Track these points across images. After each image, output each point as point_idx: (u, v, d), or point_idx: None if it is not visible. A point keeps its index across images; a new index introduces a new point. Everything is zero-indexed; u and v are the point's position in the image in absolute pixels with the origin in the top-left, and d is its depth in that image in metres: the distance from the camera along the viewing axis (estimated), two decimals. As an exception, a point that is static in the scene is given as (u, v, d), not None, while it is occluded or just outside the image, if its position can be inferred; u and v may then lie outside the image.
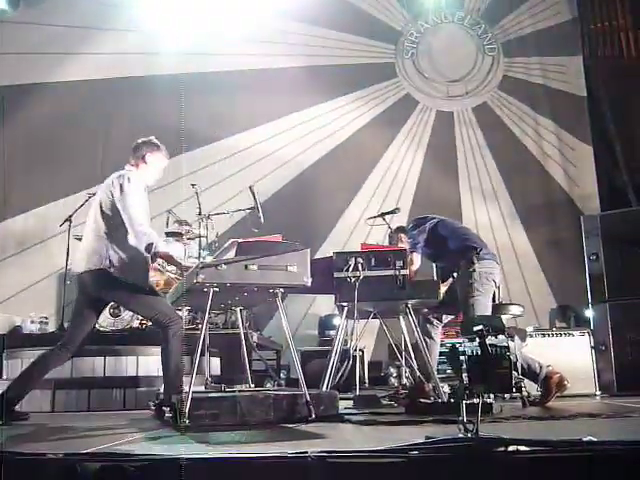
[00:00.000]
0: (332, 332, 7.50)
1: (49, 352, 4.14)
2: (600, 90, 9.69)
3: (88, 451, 2.37)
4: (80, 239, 4.54)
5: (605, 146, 9.58)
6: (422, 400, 4.19)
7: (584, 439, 2.34)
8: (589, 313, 6.55)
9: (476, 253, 4.73)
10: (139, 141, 4.30)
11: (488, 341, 2.33)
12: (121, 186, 4.00)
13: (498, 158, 9.67)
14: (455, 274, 4.84)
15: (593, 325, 6.18)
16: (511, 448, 2.23)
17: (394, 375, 7.48)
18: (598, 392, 5.57)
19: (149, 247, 3.96)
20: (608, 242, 6.06)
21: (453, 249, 4.87)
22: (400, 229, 5.20)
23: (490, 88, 10.02)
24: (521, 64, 10.10)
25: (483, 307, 4.60)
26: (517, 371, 2.33)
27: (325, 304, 8.04)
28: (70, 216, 6.80)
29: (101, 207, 4.08)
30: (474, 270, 4.65)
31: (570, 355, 5.55)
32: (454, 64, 10.08)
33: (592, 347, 5.91)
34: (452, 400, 3.44)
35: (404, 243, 5.04)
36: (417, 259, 4.82)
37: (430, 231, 4.90)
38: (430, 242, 4.88)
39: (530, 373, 4.43)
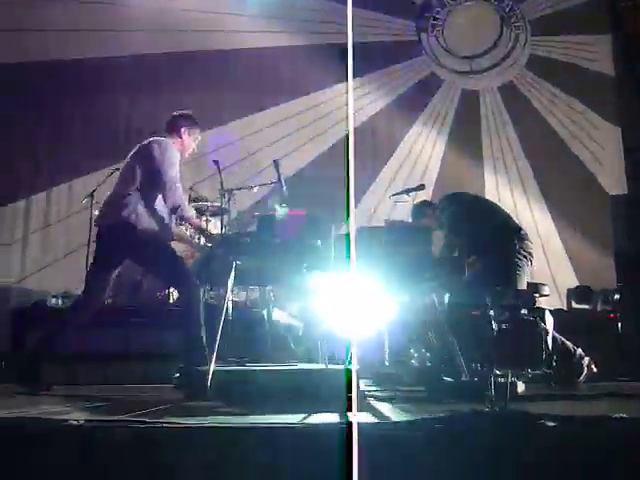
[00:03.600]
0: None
1: (70, 305, 4.16)
2: (629, 69, 9.47)
3: (109, 418, 2.36)
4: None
5: (633, 127, 9.38)
6: (446, 378, 4.13)
7: (614, 416, 2.29)
8: (614, 295, 6.46)
9: (518, 231, 4.79)
10: (175, 114, 4.35)
11: (520, 314, 2.27)
12: (162, 149, 4.05)
13: (523, 138, 9.49)
14: (489, 252, 4.78)
15: (620, 308, 6.09)
16: (539, 423, 2.19)
17: (415, 356, 7.42)
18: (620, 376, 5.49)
19: (175, 209, 4.00)
20: (636, 223, 5.96)
21: (492, 227, 4.83)
22: (426, 203, 5.12)
23: (516, 67, 9.83)
24: (548, 42, 9.88)
25: (521, 285, 4.58)
26: (548, 347, 2.27)
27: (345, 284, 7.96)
28: (93, 191, 6.81)
29: (136, 163, 4.10)
30: (518, 248, 4.66)
31: (595, 337, 5.46)
32: (479, 39, 9.86)
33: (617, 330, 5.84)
34: (477, 379, 3.38)
35: (430, 218, 4.98)
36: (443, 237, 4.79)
37: (468, 207, 4.86)
38: (467, 219, 4.83)
39: (563, 352, 4.36)
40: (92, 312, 4.25)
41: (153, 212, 4.05)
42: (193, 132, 4.36)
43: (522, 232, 4.89)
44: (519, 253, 4.71)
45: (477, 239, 4.76)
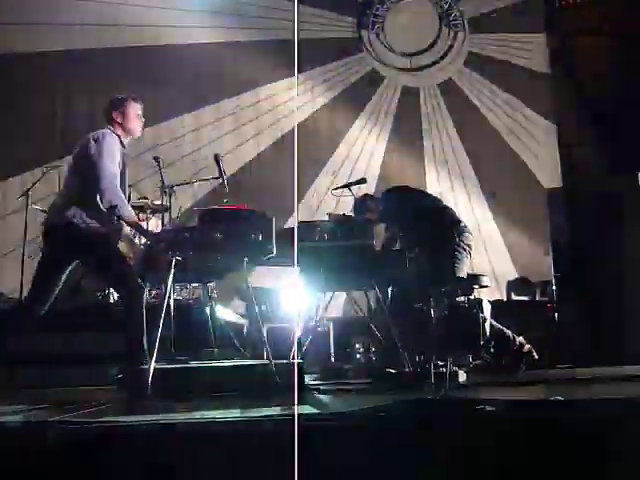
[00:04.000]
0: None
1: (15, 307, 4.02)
2: (563, 67, 9.75)
3: (54, 419, 2.28)
4: (43, 211, 4.41)
5: (569, 122, 9.65)
6: (390, 370, 4.16)
7: (551, 399, 2.34)
8: (552, 286, 6.65)
9: (458, 224, 4.88)
10: (112, 97, 4.21)
11: (458, 301, 2.30)
12: (97, 142, 3.91)
13: (463, 134, 9.66)
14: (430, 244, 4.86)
15: (556, 297, 6.27)
16: (478, 408, 2.22)
17: (360, 350, 7.47)
18: (559, 364, 5.66)
19: (112, 209, 3.86)
20: (572, 215, 6.14)
21: (433, 220, 4.89)
22: (368, 197, 5.15)
23: (455, 64, 9.99)
24: (486, 40, 10.08)
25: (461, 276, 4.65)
26: (486, 333, 2.30)
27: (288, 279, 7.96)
28: (28, 189, 6.61)
29: (74, 164, 3.98)
30: (458, 241, 4.73)
31: (533, 327, 5.59)
32: (420, 37, 9.99)
33: (554, 320, 6.02)
34: (420, 369, 3.41)
35: (373, 212, 5.01)
36: (384, 230, 4.82)
37: (409, 201, 4.92)
38: (407, 213, 4.87)
39: (502, 339, 4.44)
40: (38, 315, 4.12)
41: (96, 213, 3.92)
42: (128, 112, 4.18)
43: (462, 224, 4.98)
44: (459, 245, 4.77)
45: (418, 232, 4.82)
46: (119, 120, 4.15)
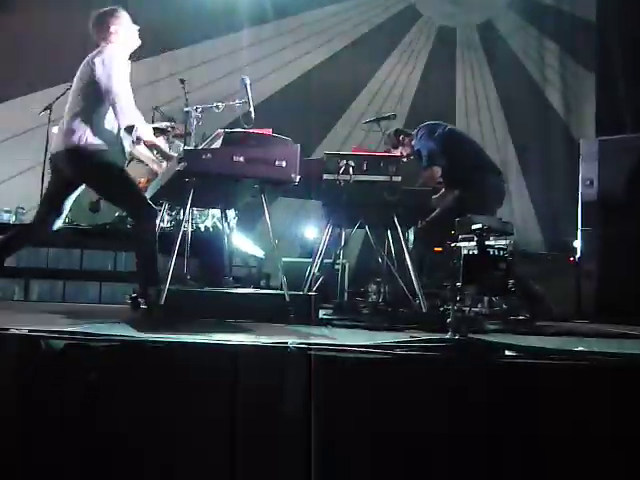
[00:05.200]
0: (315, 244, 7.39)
1: (18, 230, 3.97)
2: (610, 17, 9.30)
3: (54, 329, 2.24)
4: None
5: (608, 75, 9.28)
6: (404, 310, 4.10)
7: (575, 349, 2.26)
8: (577, 240, 6.50)
9: (498, 173, 4.84)
10: (98, 13, 3.96)
11: (487, 242, 2.20)
12: (103, 61, 3.72)
13: (497, 78, 9.37)
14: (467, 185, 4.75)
15: (581, 252, 6.13)
16: (500, 353, 2.14)
17: (374, 291, 7.42)
18: (577, 318, 5.58)
19: (130, 128, 3.73)
20: (605, 168, 5.94)
21: (466, 162, 4.76)
22: (401, 131, 4.98)
23: (497, 5, 9.59)
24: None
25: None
26: (513, 276, 2.21)
27: (310, 218, 7.89)
28: (50, 104, 6.50)
29: (81, 85, 3.81)
30: (486, 191, 4.66)
31: (553, 279, 5.49)
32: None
33: (576, 274, 5.90)
34: (441, 308, 3.33)
35: (406, 146, 4.88)
36: (438, 171, 4.70)
37: (444, 138, 4.77)
38: (442, 150, 4.74)
39: (523, 285, 4.35)
40: (44, 233, 4.08)
41: (104, 134, 3.78)
42: (124, 23, 3.90)
43: (501, 175, 4.94)
44: (495, 192, 4.73)
45: (457, 172, 4.71)
46: (118, 33, 3.93)
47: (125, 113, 3.70)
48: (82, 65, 3.87)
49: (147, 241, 3.79)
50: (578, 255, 6.11)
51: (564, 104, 9.42)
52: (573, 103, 9.44)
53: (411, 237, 5.20)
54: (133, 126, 3.72)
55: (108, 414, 2.00)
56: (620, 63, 8.89)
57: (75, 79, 3.91)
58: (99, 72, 3.70)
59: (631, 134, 7.53)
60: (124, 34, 3.94)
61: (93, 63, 3.75)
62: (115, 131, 3.81)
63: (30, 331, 2.19)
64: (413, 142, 4.91)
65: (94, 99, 3.75)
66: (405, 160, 4.82)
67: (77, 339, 2.11)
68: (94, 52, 3.84)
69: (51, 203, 4.02)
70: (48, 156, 4.60)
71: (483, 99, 9.36)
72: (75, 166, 3.80)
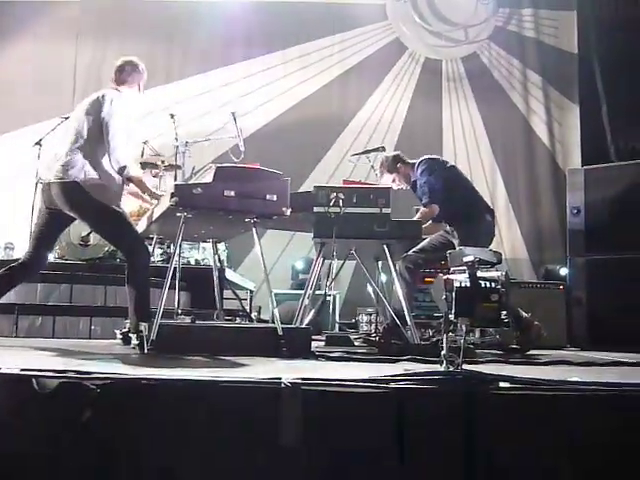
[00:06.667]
0: (306, 275, 7.40)
1: (10, 267, 3.95)
2: (591, 48, 9.46)
3: (47, 367, 2.22)
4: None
5: (591, 105, 9.42)
6: (396, 342, 4.10)
7: (570, 379, 2.26)
8: (565, 268, 6.56)
9: (487, 212, 4.89)
10: (122, 62, 4.09)
11: (478, 273, 2.22)
12: (112, 101, 3.81)
13: (483, 110, 9.49)
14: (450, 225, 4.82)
15: (569, 280, 6.18)
16: (494, 385, 2.15)
17: (365, 321, 7.43)
18: (568, 345, 5.62)
19: (122, 170, 3.77)
20: (591, 197, 6.01)
21: (460, 200, 4.81)
22: (400, 159, 5.00)
23: (481, 38, 9.76)
24: (514, 16, 9.82)
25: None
26: (505, 307, 2.23)
27: (299, 250, 7.92)
28: (41, 139, 6.53)
29: (87, 119, 3.85)
30: (481, 229, 4.73)
31: (543, 308, 5.51)
32: (452, 10, 9.74)
33: (566, 302, 5.93)
34: (432, 339, 3.33)
35: (401, 174, 4.91)
36: (437, 209, 4.73)
37: (446, 177, 4.83)
38: (443, 187, 4.78)
39: (515, 315, 4.36)
40: (37, 269, 4.08)
41: (102, 172, 3.80)
42: (141, 80, 4.14)
43: (494, 216, 5.01)
44: (487, 231, 4.80)
45: (454, 208, 4.76)
46: (132, 86, 4.09)
47: (118, 154, 3.75)
48: (90, 100, 3.93)
49: (139, 277, 3.80)
50: (567, 283, 6.17)
51: (549, 134, 9.54)
52: (558, 133, 9.56)
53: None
54: (125, 167, 3.77)
55: (103, 452, 1.98)
56: (602, 94, 9.03)
57: (77, 113, 3.96)
58: (106, 109, 3.78)
59: (615, 162, 7.68)
60: (137, 88, 4.14)
61: (103, 99, 3.82)
62: (112, 168, 3.84)
63: (22, 370, 2.18)
64: (410, 173, 4.95)
65: (99, 134, 3.80)
66: (396, 189, 4.87)
67: (70, 377, 2.10)
68: (106, 90, 3.94)
69: (42, 238, 4.01)
70: (39, 188, 4.61)
71: (470, 129, 9.47)
72: (72, 200, 3.80)
